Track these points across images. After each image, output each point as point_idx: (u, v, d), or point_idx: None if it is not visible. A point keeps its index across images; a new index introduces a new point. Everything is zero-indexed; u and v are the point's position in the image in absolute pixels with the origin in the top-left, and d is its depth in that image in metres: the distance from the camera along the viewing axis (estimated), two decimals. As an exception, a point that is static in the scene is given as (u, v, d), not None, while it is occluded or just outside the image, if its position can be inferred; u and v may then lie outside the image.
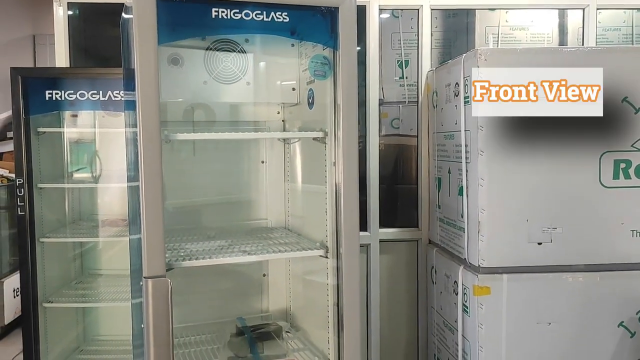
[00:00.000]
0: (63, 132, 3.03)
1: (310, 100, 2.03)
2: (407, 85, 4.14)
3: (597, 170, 2.70)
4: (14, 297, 5.06)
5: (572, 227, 2.68)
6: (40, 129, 2.82)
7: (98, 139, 3.17)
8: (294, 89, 2.15)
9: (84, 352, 3.14)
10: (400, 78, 4.02)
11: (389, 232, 3.60)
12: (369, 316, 3.46)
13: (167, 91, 1.81)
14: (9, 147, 5.86)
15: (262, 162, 2.29)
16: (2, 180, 5.17)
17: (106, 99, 2.78)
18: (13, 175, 5.00)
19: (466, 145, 2.82)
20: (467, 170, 2.83)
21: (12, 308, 5.03)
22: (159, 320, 1.37)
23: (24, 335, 2.78)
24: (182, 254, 1.70)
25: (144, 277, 1.40)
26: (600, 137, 2.71)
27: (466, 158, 2.82)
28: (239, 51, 2.08)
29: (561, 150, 2.68)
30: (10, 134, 5.85)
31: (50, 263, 2.91)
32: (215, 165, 2.24)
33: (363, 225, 3.43)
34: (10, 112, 4.93)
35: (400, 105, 4.34)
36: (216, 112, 2.14)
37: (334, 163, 1.74)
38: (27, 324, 2.76)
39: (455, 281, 3.00)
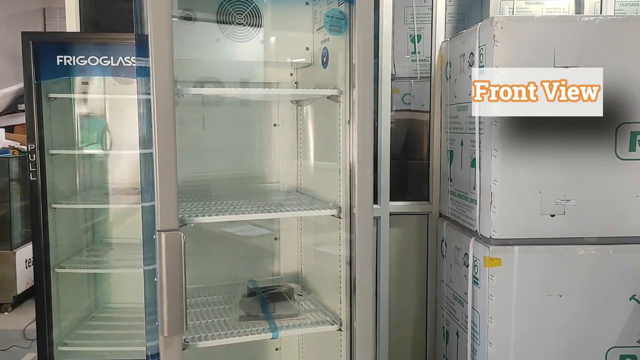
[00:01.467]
0: (73, 99, 3.02)
1: (324, 60, 2.00)
2: (419, 61, 4.09)
3: (613, 142, 2.66)
4: (26, 267, 5.13)
5: (586, 199, 2.65)
6: (52, 95, 2.81)
7: (108, 108, 3.16)
8: (307, 49, 2.12)
9: (96, 318, 3.18)
10: (412, 53, 3.97)
11: (400, 206, 3.58)
12: (377, 288, 3.46)
13: (179, 48, 1.77)
14: (20, 119, 5.89)
15: (275, 125, 2.26)
16: (13, 152, 5.21)
17: (117, 64, 2.76)
18: (24, 147, 5.04)
19: (480, 117, 2.78)
20: (480, 142, 2.79)
21: (24, 278, 5.11)
22: (172, 274, 1.37)
23: (37, 300, 2.81)
24: (194, 212, 1.70)
25: (157, 231, 1.39)
26: (617, 109, 2.66)
27: (479, 129, 2.79)
28: (252, 9, 2.04)
29: (577, 121, 2.64)
30: (21, 106, 5.87)
31: (62, 230, 2.93)
32: (227, 128, 2.22)
33: (374, 198, 3.41)
34: (20, 85, 4.94)
35: (412, 81, 4.28)
36: (228, 72, 2.10)
37: (349, 121, 1.70)
38: (39, 289, 2.79)
39: (465, 253, 2.98)
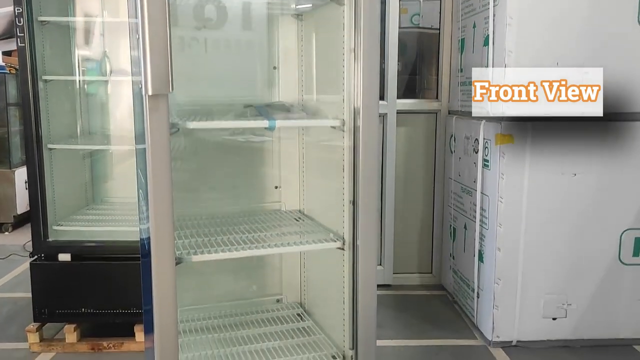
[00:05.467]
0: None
1: None
2: (428, -23, 3.91)
3: (637, 7, 2.50)
4: (26, 188, 5.04)
5: (607, 69, 2.47)
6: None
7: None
8: None
9: (93, 208, 3.08)
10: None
11: (408, 103, 3.45)
12: (383, 188, 3.35)
13: None
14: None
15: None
16: (10, 70, 5.07)
17: None
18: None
19: (494, -13, 2.63)
20: (494, 15, 2.64)
21: (24, 199, 5.02)
22: (155, 23, 1.19)
23: (29, 175, 2.68)
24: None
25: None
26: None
27: (494, 1, 2.63)
28: None
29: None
30: (18, 30, 5.70)
31: (55, 108, 2.78)
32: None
33: (380, 96, 3.29)
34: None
35: (421, 0, 4.11)
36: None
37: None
38: (31, 164, 2.66)
39: (476, 139, 2.85)
